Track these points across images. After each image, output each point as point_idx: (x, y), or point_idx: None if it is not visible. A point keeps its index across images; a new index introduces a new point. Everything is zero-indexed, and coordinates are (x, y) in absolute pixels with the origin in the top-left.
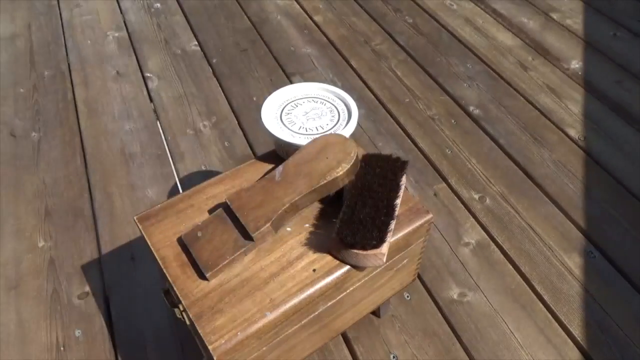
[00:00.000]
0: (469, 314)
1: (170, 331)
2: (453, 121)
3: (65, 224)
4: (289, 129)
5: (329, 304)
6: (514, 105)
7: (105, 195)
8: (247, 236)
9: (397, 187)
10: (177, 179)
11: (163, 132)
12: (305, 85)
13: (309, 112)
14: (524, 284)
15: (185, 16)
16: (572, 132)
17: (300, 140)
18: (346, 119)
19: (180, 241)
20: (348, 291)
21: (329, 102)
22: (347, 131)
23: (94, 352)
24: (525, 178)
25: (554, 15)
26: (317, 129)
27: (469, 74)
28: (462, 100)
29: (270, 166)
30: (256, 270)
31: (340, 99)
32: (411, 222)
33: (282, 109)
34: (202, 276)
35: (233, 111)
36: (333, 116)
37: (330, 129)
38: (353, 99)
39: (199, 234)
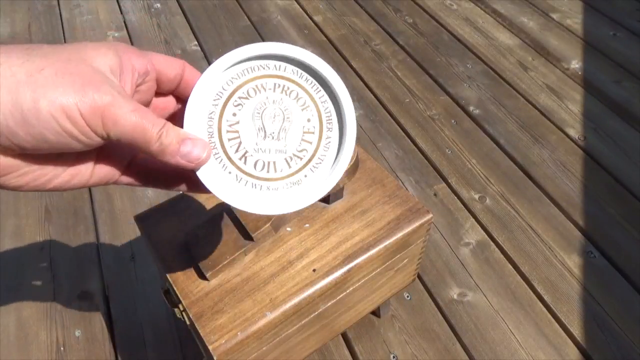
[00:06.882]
0: (469, 314)
1: (170, 331)
2: (453, 121)
3: (65, 224)
4: (235, 168)
5: (329, 304)
6: (514, 105)
7: (105, 195)
8: (247, 236)
9: None
10: None
11: None
12: (257, 47)
13: (263, 112)
14: (524, 284)
15: (185, 16)
16: (572, 132)
17: (249, 205)
18: (334, 124)
19: (180, 241)
20: (348, 291)
21: (299, 86)
22: (340, 168)
23: (94, 352)
24: (525, 178)
25: (554, 15)
26: (275, 168)
27: (469, 74)
28: (462, 100)
29: None
30: (256, 270)
31: (322, 83)
32: (411, 222)
33: (221, 111)
34: (202, 276)
35: None
36: (310, 119)
37: (306, 162)
38: (353, 99)
39: (199, 234)
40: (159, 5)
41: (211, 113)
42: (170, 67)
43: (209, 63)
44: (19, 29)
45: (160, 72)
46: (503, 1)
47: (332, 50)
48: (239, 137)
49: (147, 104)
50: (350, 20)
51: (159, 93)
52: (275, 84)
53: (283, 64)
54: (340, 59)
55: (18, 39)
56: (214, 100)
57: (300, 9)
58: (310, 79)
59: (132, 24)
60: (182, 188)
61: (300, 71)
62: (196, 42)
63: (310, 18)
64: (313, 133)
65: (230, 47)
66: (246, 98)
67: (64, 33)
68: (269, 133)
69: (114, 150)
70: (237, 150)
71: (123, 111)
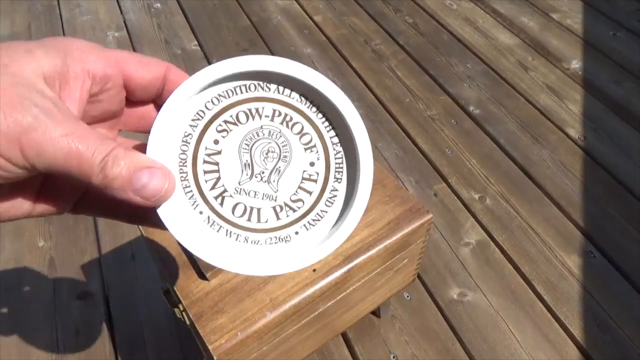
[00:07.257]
0: (469, 314)
1: (170, 331)
2: (453, 121)
3: (66, 224)
4: (209, 209)
5: (329, 304)
6: (514, 105)
7: None
8: None
9: None
10: None
11: None
12: (255, 60)
13: (254, 144)
14: (524, 284)
15: (185, 16)
16: (572, 132)
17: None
18: (344, 175)
19: None
20: (348, 291)
21: (306, 118)
22: (352, 220)
23: (94, 352)
24: (525, 178)
25: (554, 15)
26: (259, 216)
27: (469, 74)
28: (462, 100)
29: None
30: None
31: (336, 119)
32: (411, 222)
33: (201, 135)
34: (202, 276)
35: None
36: (314, 162)
37: (300, 216)
38: (352, 99)
39: None
40: (159, 5)
41: (187, 136)
42: (144, 69)
43: (209, 63)
44: (19, 29)
45: (130, 77)
46: (503, 1)
47: (332, 50)
48: (218, 170)
49: (113, 116)
50: (350, 20)
51: (135, 102)
52: (274, 111)
53: (287, 89)
54: (340, 59)
55: (18, 38)
56: (193, 120)
57: (300, 9)
58: (321, 112)
59: (132, 24)
60: (140, 224)
61: (307, 101)
62: (196, 42)
63: (310, 18)
64: (315, 181)
65: (230, 47)
66: (234, 124)
67: (64, 33)
68: (258, 172)
69: (62, 178)
70: (213, 187)
71: (50, 136)
